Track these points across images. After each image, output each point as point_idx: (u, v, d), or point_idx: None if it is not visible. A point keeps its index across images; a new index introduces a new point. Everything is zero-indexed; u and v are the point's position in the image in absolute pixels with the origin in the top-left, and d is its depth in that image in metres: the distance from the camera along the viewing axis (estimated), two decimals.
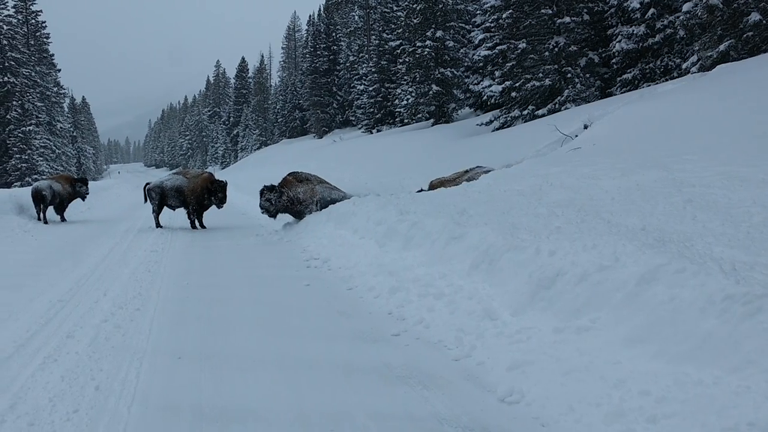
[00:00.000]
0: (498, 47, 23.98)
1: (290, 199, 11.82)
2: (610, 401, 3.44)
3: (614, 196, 6.97)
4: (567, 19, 21.71)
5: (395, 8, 41.47)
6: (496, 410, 3.70)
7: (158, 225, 13.46)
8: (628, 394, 3.45)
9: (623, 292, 4.30)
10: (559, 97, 21.97)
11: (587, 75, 22.63)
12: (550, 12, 22.05)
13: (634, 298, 4.21)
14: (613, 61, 21.55)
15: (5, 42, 45.56)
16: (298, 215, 11.94)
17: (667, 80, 18.92)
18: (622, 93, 20.33)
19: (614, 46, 21.00)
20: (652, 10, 19.51)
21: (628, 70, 21.03)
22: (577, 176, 8.67)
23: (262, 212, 12.06)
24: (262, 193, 11.93)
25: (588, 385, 3.66)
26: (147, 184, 13.97)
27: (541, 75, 22.25)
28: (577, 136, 13.98)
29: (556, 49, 21.99)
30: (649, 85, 19.20)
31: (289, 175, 12.29)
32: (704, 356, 3.50)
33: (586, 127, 14.33)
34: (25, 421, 3.66)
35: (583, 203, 6.93)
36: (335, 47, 57.99)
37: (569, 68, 22.03)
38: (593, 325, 4.26)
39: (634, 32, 20.21)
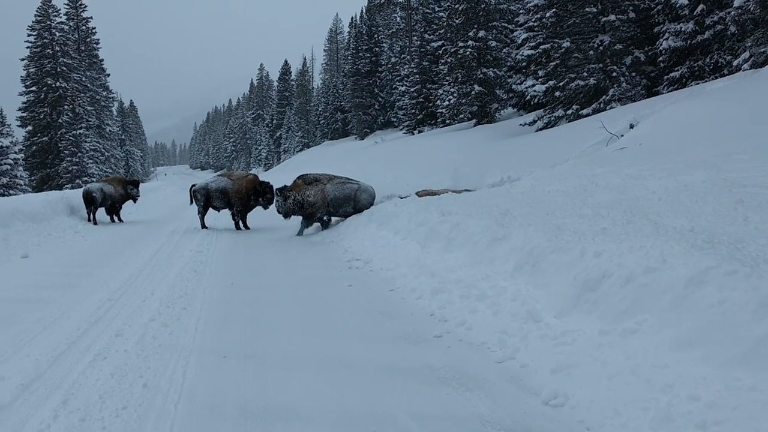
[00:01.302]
0: (541, 46, 23.71)
1: (298, 202, 11.67)
2: (657, 406, 3.37)
3: (661, 197, 6.84)
4: (612, 17, 21.35)
5: (437, 9, 41.42)
6: (539, 413, 3.65)
7: (203, 226, 13.69)
8: (677, 399, 3.37)
9: (671, 295, 4.21)
10: (604, 97, 21.62)
11: (633, 74, 22.22)
12: (595, 10, 21.72)
13: (682, 300, 4.11)
14: (660, 59, 21.09)
15: (57, 48, 47.01)
16: (311, 217, 11.87)
17: (716, 78, 18.45)
18: (669, 91, 19.90)
19: (661, 44, 20.56)
20: (701, 6, 19.03)
21: (676, 68, 20.56)
22: (623, 177, 8.53)
23: (279, 212, 12.09)
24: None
25: (634, 389, 3.59)
26: (193, 185, 14.22)
27: (585, 74, 21.93)
28: (622, 135, 13.75)
29: (601, 47, 21.64)
30: (698, 83, 18.76)
31: (298, 178, 12.19)
32: (757, 361, 3.40)
33: (632, 126, 14.09)
34: (77, 417, 3.76)
35: (629, 204, 6.81)
36: (377, 49, 58.16)
37: (614, 67, 21.65)
38: (640, 327, 4.18)
39: (682, 29, 19.75)
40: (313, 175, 12.25)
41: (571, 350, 4.29)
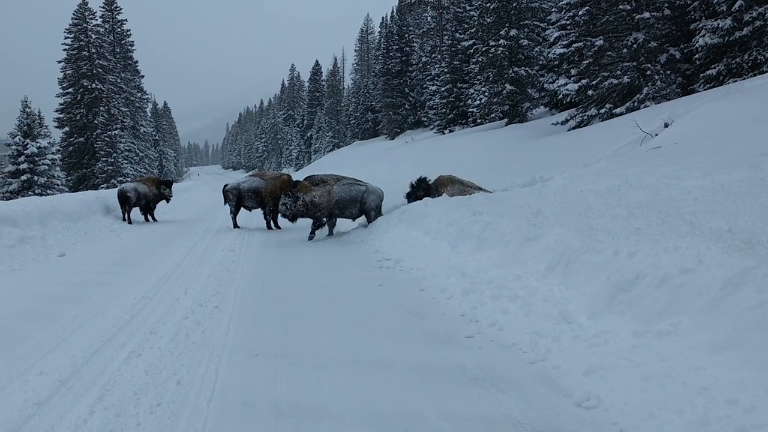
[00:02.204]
0: (574, 45, 23.45)
1: (305, 204, 11.45)
2: (693, 409, 3.31)
3: (697, 197, 6.71)
4: (647, 14, 21.01)
5: (468, 8, 41.19)
6: (572, 415, 3.61)
7: (236, 225, 13.82)
8: (713, 402, 3.30)
9: (707, 296, 4.13)
10: (637, 95, 21.30)
11: (668, 72, 21.84)
12: (629, 8, 21.40)
13: (719, 302, 4.03)
14: (696, 56, 20.68)
15: (93, 50, 47.90)
16: (318, 220, 11.68)
17: (755, 75, 18.05)
18: (705, 89, 19.51)
19: (697, 41, 20.15)
20: (739, 2, 18.61)
21: (713, 66, 20.14)
22: (658, 176, 8.39)
23: (281, 215, 11.86)
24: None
25: (669, 392, 3.53)
26: (225, 186, 14.38)
27: (618, 72, 21.62)
28: (657, 134, 13.53)
29: (635, 45, 21.32)
30: (736, 81, 18.36)
31: (305, 179, 11.97)
32: None
33: (666, 125, 13.86)
34: (113, 413, 3.82)
35: (664, 204, 6.70)
36: (407, 48, 58.10)
37: (649, 65, 21.32)
38: (675, 329, 4.11)
39: (720, 26, 19.33)
40: (321, 176, 12.05)
41: (604, 352, 4.23)
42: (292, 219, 11.80)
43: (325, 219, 11.77)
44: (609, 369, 3.97)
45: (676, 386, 3.55)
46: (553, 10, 27.89)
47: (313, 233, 11.75)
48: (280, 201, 11.67)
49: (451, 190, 12.14)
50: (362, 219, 12.19)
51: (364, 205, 11.78)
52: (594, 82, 22.21)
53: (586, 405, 3.69)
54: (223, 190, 14.22)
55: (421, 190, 12.20)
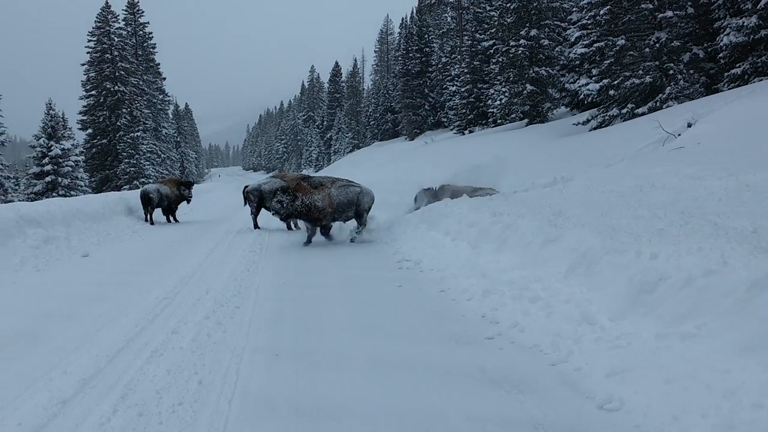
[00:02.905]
0: (595, 44, 23.30)
1: (306, 205, 10.85)
2: (718, 412, 3.26)
3: (721, 197, 6.63)
4: (669, 13, 20.80)
5: (488, 8, 41.08)
6: (594, 417, 3.58)
7: (256, 226, 13.89)
8: (739, 406, 3.25)
9: (732, 298, 4.07)
10: (660, 95, 21.09)
11: (691, 71, 21.59)
12: (651, 6, 21.19)
13: (744, 304, 3.97)
14: (720, 55, 20.42)
15: (116, 53, 48.48)
16: (316, 222, 11.12)
17: None
18: (729, 89, 19.25)
19: (721, 40, 19.90)
20: (765, 0, 18.36)
21: (737, 65, 19.87)
22: (681, 177, 8.31)
23: (273, 213, 11.32)
24: (274, 193, 11.21)
25: (693, 395, 3.48)
26: (246, 187, 14.46)
27: (641, 72, 21.43)
28: (680, 134, 13.38)
29: (657, 44, 21.11)
30: (761, 80, 18.10)
31: (303, 180, 11.36)
32: None
33: (689, 125, 13.70)
34: (135, 412, 3.86)
35: (687, 205, 6.63)
36: (427, 49, 58.09)
37: (671, 64, 21.09)
38: (699, 331, 4.05)
39: (745, 24, 19.07)
40: (318, 178, 11.52)
41: (626, 354, 4.19)
42: (285, 218, 11.40)
43: (325, 222, 11.21)
44: (631, 371, 3.92)
45: (701, 389, 3.50)
46: (574, 9, 27.72)
47: (309, 239, 11.21)
48: (274, 198, 11.03)
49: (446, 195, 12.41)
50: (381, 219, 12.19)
51: (358, 207, 11.32)
52: (616, 82, 22.04)
53: (608, 407, 3.65)
54: (244, 192, 14.30)
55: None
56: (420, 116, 57.61)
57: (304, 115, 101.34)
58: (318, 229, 11.31)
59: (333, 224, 11.48)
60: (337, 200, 11.05)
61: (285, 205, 10.81)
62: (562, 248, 6.34)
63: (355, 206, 11.28)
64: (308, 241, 11.20)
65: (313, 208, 10.91)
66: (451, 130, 47.05)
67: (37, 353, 5.02)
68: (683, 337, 4.07)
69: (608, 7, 22.23)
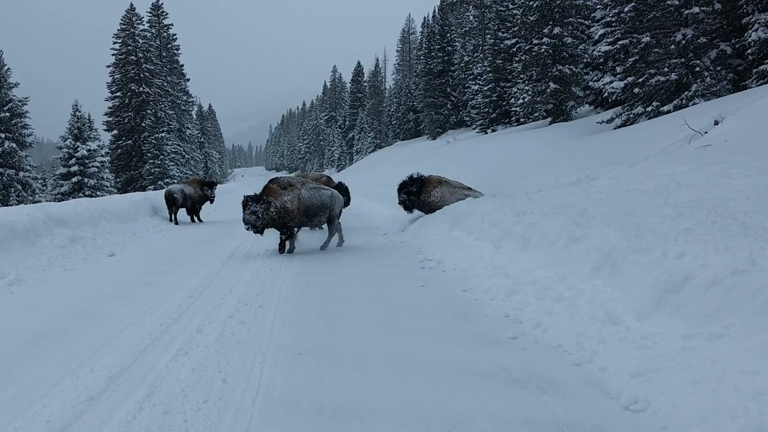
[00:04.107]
0: (619, 42, 23.03)
1: (278, 210, 10.03)
2: (747, 414, 3.20)
3: (749, 196, 6.53)
4: (696, 9, 20.50)
5: (511, 6, 40.89)
6: (619, 418, 3.54)
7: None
8: None
9: (761, 299, 4.00)
10: (686, 93, 20.79)
11: (718, 68, 21.25)
12: (677, 3, 20.90)
13: None
14: (749, 51, 20.06)
15: (141, 55, 49.03)
16: (285, 228, 10.24)
17: None
18: (758, 86, 18.93)
19: (750, 36, 19.56)
20: None
21: (766, 61, 19.54)
22: (707, 175, 8.20)
23: (247, 228, 10.21)
24: (245, 205, 10.07)
25: (721, 396, 3.43)
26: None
27: (666, 69, 21.14)
28: (706, 132, 13.20)
29: (683, 41, 20.82)
30: None
31: (270, 182, 10.53)
32: None
33: (716, 123, 13.51)
34: (161, 410, 3.90)
35: (714, 203, 6.53)
36: (449, 48, 57.95)
37: (698, 61, 20.78)
38: (726, 332, 3.99)
39: None
40: (287, 179, 10.66)
41: (652, 354, 4.14)
42: (261, 230, 10.27)
43: (295, 229, 10.48)
44: (657, 372, 3.88)
45: (729, 390, 3.45)
46: (598, 7, 27.45)
47: (282, 245, 10.30)
48: (246, 210, 10.07)
49: (439, 192, 12.32)
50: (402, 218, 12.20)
51: (331, 212, 10.65)
52: (640, 80, 21.77)
53: (633, 408, 3.61)
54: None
55: (414, 185, 12.60)
56: (442, 115, 57.49)
57: (326, 115, 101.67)
58: (293, 233, 10.45)
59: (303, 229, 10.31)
60: (308, 203, 10.29)
61: (261, 216, 10.02)
62: (587, 248, 6.29)
63: (328, 211, 10.59)
64: (291, 249, 10.38)
65: (283, 212, 10.10)
66: (474, 129, 46.88)
67: (64, 351, 5.10)
68: (710, 338, 4.01)
69: (633, 4, 21.97)
